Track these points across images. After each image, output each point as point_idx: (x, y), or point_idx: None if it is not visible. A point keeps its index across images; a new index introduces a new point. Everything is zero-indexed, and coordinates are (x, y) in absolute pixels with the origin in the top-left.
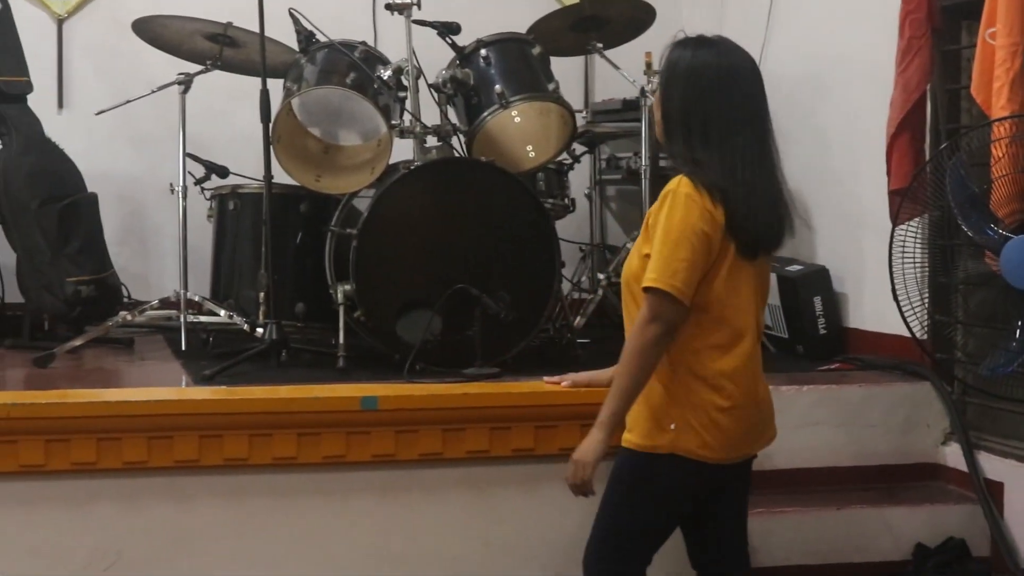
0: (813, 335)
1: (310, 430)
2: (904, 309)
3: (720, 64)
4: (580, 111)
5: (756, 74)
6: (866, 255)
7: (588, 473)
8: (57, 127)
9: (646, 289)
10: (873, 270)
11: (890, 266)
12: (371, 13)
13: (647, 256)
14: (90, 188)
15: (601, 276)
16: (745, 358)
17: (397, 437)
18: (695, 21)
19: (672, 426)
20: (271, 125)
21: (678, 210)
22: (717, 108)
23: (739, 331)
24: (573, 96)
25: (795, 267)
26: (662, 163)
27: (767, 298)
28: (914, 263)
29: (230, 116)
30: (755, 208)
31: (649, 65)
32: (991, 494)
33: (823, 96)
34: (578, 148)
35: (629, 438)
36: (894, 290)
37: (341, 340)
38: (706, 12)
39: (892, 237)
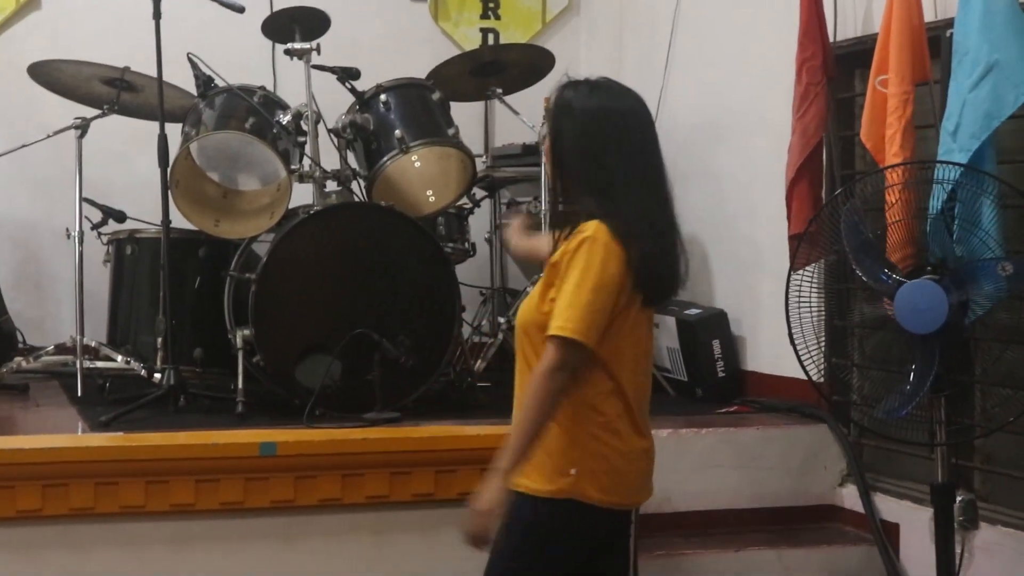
0: (711, 378)
1: (208, 476)
2: (800, 352)
3: (617, 108)
4: (480, 156)
5: (650, 117)
6: (763, 299)
7: (492, 523)
8: None
9: (556, 337)
10: (770, 313)
11: (787, 310)
12: (271, 58)
13: (552, 301)
14: None
15: (502, 320)
16: (638, 407)
17: (296, 483)
18: (593, 67)
19: (573, 471)
20: (169, 170)
21: (596, 257)
22: (620, 155)
23: (639, 377)
24: (474, 141)
25: (693, 311)
26: (561, 207)
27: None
28: (810, 307)
29: (128, 160)
30: (663, 255)
31: (547, 110)
32: (887, 535)
33: (720, 142)
34: (478, 192)
35: (526, 483)
36: (791, 334)
37: (240, 385)
38: (604, 59)
39: (788, 281)
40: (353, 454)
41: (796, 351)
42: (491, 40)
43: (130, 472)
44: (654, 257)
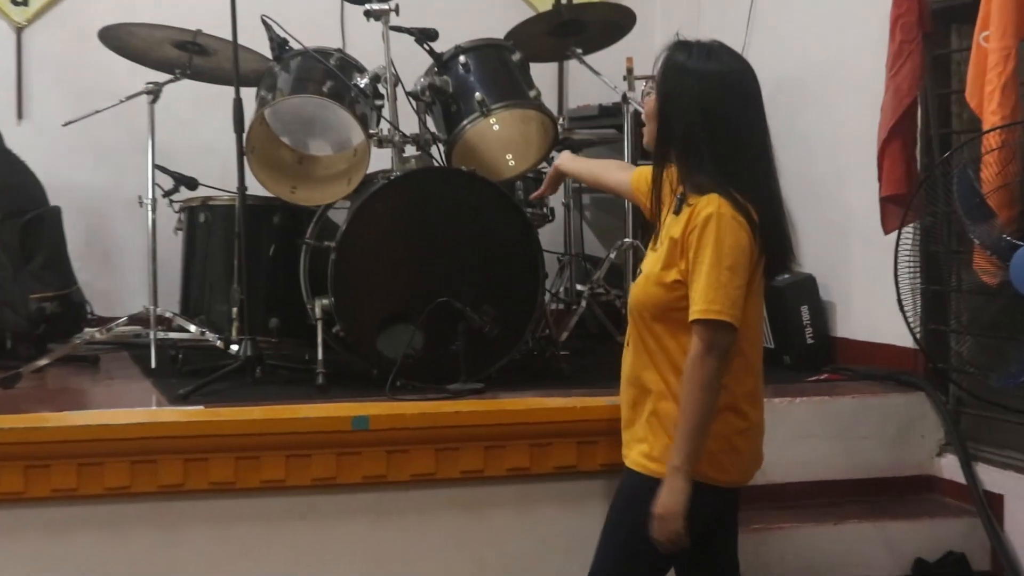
0: (800, 345)
1: (299, 451)
2: (909, 318)
3: (735, 72)
4: (557, 118)
5: (758, 82)
6: (853, 263)
7: (680, 524)
8: (17, 139)
9: (704, 320)
10: (861, 278)
11: (895, 274)
12: (339, 19)
13: (676, 282)
14: (52, 201)
15: (581, 287)
16: (759, 378)
17: (389, 457)
18: (670, 25)
19: None
20: (245, 135)
21: (728, 234)
22: (738, 123)
23: (756, 352)
24: (547, 103)
25: (781, 276)
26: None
27: None
28: (912, 271)
29: (196, 126)
30: (781, 226)
31: (630, 70)
32: (991, 506)
33: (806, 101)
34: (556, 156)
35: (644, 462)
36: (899, 299)
37: (320, 356)
38: (681, 15)
39: (897, 244)
40: (446, 427)
41: (905, 316)
42: None
43: (220, 448)
44: (775, 227)
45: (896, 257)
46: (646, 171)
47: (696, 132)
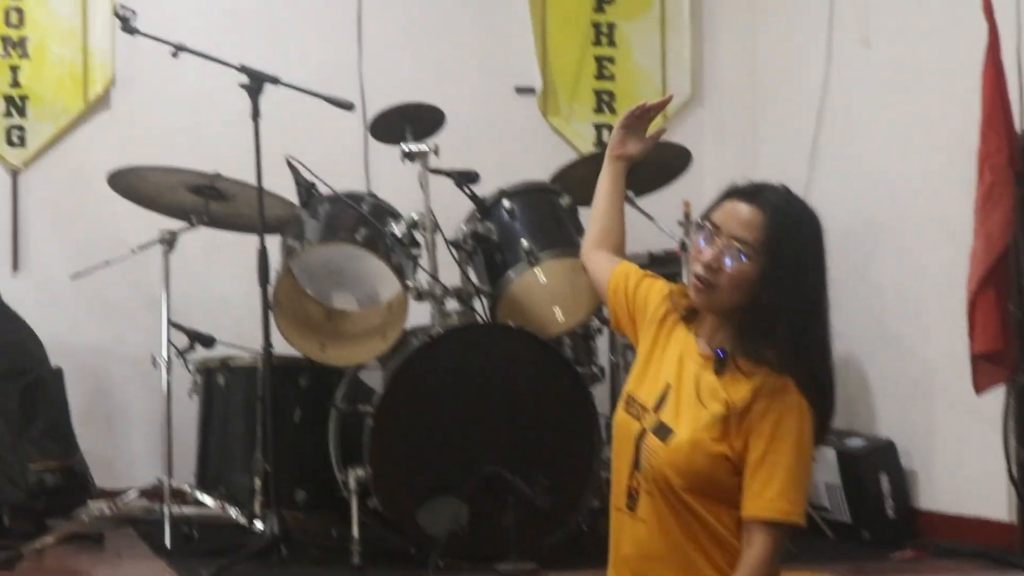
0: (880, 519)
1: None
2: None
3: (821, 235)
4: None
5: None
6: (937, 426)
7: None
8: (13, 292)
9: (781, 523)
10: (946, 443)
11: (1005, 439)
12: (363, 159)
13: (723, 456)
14: (52, 361)
15: None
16: None
17: None
18: (723, 163)
19: None
20: (271, 288)
21: (808, 430)
22: (823, 290)
23: None
24: None
25: (856, 441)
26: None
27: None
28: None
29: (208, 277)
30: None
31: (688, 215)
32: None
33: (880, 244)
34: (606, 309)
35: None
36: (1010, 469)
37: (356, 534)
38: (734, 152)
39: (1007, 407)
40: None
41: (1017, 488)
42: (607, 137)
43: None
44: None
45: (1005, 421)
46: (631, 273)
47: (789, 309)
